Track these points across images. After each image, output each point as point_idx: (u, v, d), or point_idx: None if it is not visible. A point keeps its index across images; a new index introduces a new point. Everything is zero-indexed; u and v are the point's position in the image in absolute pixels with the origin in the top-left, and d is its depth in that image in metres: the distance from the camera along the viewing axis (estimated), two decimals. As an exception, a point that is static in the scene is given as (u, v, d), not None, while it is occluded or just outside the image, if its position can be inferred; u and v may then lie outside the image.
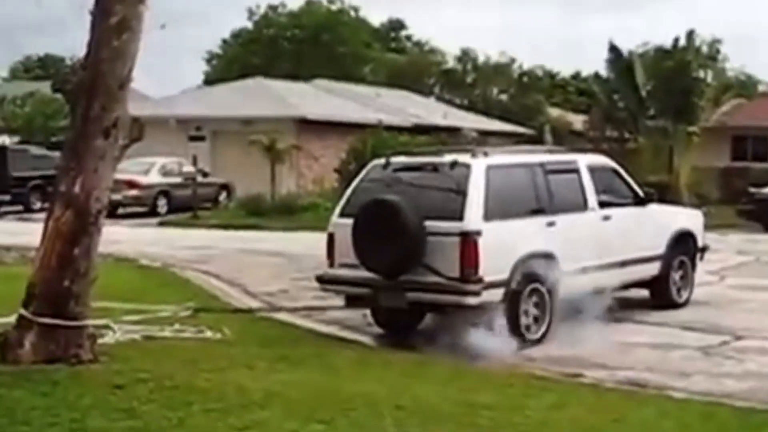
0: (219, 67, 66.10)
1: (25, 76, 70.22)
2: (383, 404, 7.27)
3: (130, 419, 6.64)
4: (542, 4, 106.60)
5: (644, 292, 12.95)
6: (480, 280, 10.13)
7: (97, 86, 8.32)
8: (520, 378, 8.84)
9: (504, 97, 61.53)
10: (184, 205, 30.53)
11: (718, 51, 54.92)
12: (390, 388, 7.95)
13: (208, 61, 70.11)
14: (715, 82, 38.57)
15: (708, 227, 14.43)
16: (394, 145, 26.09)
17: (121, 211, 29.72)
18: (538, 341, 10.60)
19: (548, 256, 10.76)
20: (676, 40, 34.34)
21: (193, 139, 37.00)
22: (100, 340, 8.90)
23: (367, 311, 11.64)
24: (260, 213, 28.83)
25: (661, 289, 12.85)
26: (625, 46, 35.28)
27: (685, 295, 13.12)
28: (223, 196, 34.06)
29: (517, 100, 58.43)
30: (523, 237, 10.65)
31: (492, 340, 9.92)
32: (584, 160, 12.22)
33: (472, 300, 10.16)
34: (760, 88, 55.41)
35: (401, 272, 10.38)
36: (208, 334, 10.33)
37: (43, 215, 8.97)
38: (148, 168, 31.37)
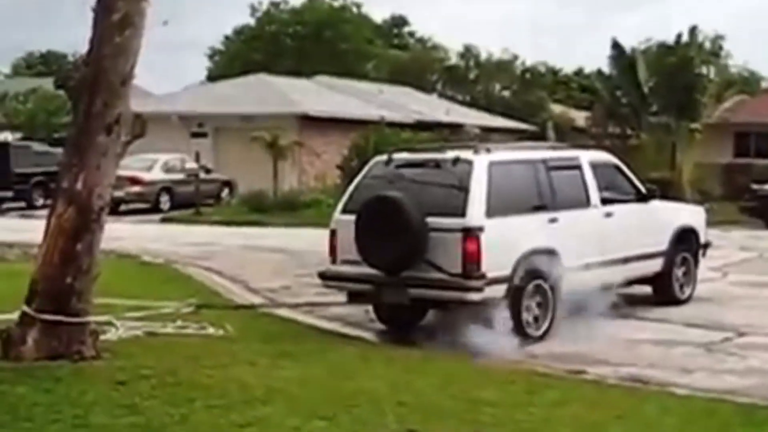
0: (221, 64, 66.05)
1: (27, 72, 70.16)
2: (385, 400, 7.28)
3: (132, 415, 6.65)
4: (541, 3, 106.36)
5: (647, 289, 12.94)
6: (482, 277, 10.11)
7: (100, 83, 8.32)
8: (522, 375, 8.83)
9: (506, 93, 61.55)
10: (186, 201, 30.58)
11: (720, 47, 55.06)
12: (392, 385, 7.95)
13: (211, 57, 70.13)
14: (718, 78, 38.47)
15: (710, 224, 14.40)
16: (397, 141, 26.04)
17: (123, 207, 29.78)
18: (541, 338, 10.58)
19: (551, 253, 10.74)
20: (679, 36, 34.34)
21: (195, 135, 37.04)
22: (102, 337, 8.93)
23: (370, 307, 11.64)
24: (262, 209, 28.80)
25: (663, 286, 12.85)
26: (628, 42, 35.36)
27: (687, 291, 13.12)
28: (225, 192, 34.06)
29: (520, 96, 58.40)
30: (525, 233, 10.63)
31: (494, 337, 9.92)
32: (587, 157, 12.21)
33: (474, 296, 10.15)
34: (763, 84, 55.20)
35: (404, 268, 10.38)
36: (211, 330, 10.32)
37: (45, 212, 8.99)
38: (151, 164, 31.41)
